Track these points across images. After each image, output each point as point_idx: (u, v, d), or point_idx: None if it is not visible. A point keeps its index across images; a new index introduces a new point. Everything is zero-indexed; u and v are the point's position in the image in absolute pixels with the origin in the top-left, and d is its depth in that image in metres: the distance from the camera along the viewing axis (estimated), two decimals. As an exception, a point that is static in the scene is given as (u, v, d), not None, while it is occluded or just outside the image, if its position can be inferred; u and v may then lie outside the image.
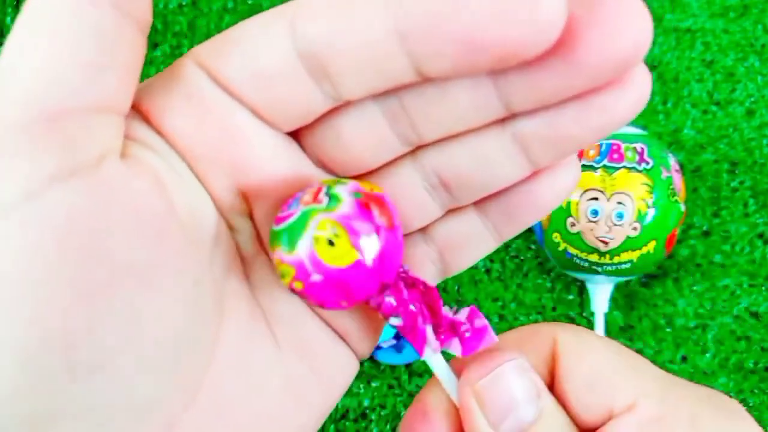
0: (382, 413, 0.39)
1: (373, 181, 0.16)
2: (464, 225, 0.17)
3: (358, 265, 0.14)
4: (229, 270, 0.15)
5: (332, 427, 0.39)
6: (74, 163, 0.12)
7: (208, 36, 0.45)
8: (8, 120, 0.12)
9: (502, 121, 0.14)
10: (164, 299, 0.13)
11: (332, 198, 0.14)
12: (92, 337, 0.12)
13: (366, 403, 0.39)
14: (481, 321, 0.15)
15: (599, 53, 0.12)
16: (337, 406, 0.39)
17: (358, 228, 0.14)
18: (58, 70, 0.12)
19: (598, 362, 0.15)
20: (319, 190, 0.14)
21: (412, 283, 0.15)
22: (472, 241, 0.17)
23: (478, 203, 0.16)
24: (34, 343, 0.11)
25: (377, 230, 0.14)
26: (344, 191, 0.14)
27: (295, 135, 0.15)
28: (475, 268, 0.41)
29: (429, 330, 0.15)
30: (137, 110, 0.14)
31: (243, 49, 0.14)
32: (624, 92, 0.13)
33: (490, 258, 0.41)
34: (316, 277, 0.14)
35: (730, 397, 0.16)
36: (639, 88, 0.13)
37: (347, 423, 0.39)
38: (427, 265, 0.17)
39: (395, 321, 0.15)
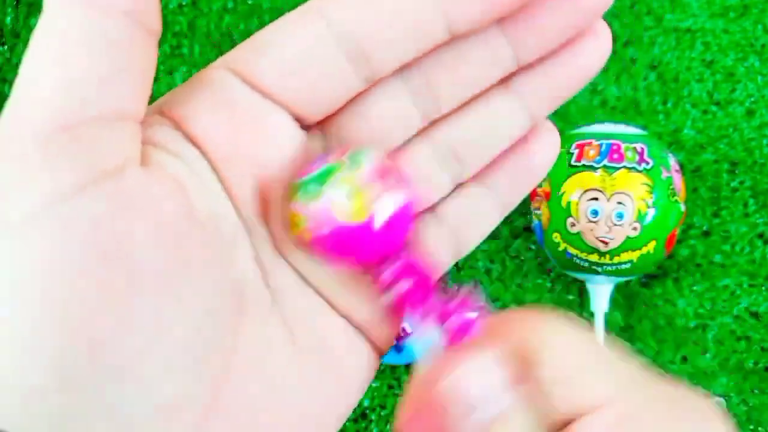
0: (382, 413, 0.39)
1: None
2: (470, 200, 0.18)
3: (367, 226, 0.14)
4: (248, 272, 0.15)
5: (332, 427, 0.39)
6: (95, 173, 0.12)
7: (208, 36, 0.45)
8: (29, 132, 0.12)
9: (505, 81, 0.17)
10: (185, 303, 0.13)
11: (355, 160, 0.15)
12: (117, 340, 0.12)
13: (366, 403, 0.39)
14: (471, 314, 0.15)
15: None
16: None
17: (374, 190, 0.14)
18: (74, 81, 0.12)
19: (570, 360, 0.15)
20: (344, 152, 0.15)
21: (413, 266, 0.16)
22: (479, 216, 0.18)
23: (481, 176, 0.18)
24: (63, 343, 0.12)
25: (391, 196, 0.15)
26: (367, 157, 0.15)
27: (322, 121, 0.16)
28: (475, 268, 0.41)
29: (417, 314, 0.15)
30: (168, 117, 0.15)
31: (278, 45, 0.15)
32: (595, 37, 0.17)
33: (490, 258, 0.41)
34: (325, 230, 0.14)
35: (728, 399, 0.16)
36: (604, 34, 0.17)
37: (347, 423, 0.39)
38: (441, 247, 0.18)
39: (386, 298, 0.16)
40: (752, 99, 0.43)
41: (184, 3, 0.45)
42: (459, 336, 0.15)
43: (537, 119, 0.17)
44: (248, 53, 0.15)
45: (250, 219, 0.15)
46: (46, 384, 0.12)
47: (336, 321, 0.16)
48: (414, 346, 0.16)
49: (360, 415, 0.39)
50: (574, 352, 0.15)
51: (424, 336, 0.15)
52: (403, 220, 0.15)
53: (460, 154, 0.17)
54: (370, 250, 0.15)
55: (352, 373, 0.16)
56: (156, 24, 0.13)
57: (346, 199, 0.14)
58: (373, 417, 0.39)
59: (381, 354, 0.17)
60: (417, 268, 0.16)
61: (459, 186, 0.18)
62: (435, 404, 0.15)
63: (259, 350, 0.15)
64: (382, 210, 0.15)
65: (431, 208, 0.18)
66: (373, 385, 0.39)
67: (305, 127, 0.16)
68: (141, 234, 0.13)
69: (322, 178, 0.15)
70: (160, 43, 0.48)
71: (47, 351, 0.12)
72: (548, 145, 0.18)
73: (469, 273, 0.41)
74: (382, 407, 0.39)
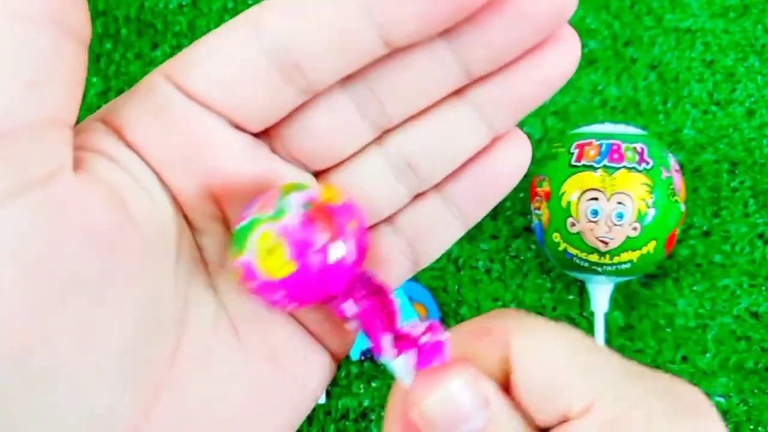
0: (382, 413, 0.39)
1: (342, 172, 0.16)
2: (430, 211, 0.17)
3: (295, 277, 0.14)
4: (193, 277, 0.15)
5: (332, 426, 0.39)
6: (23, 181, 0.12)
7: (208, 36, 0.45)
8: None
9: (460, 93, 0.16)
10: (117, 311, 0.13)
11: (280, 207, 0.14)
12: (44, 348, 0.12)
13: (366, 403, 0.39)
14: (439, 336, 0.15)
15: (537, 4, 0.14)
16: (337, 406, 0.39)
17: (296, 241, 0.14)
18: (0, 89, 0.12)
19: (551, 366, 0.15)
20: (272, 197, 0.15)
21: (375, 290, 0.15)
22: (439, 227, 0.17)
23: (442, 187, 0.17)
24: None
25: (317, 245, 0.14)
26: (295, 201, 0.14)
27: (266, 131, 0.16)
28: (475, 268, 0.41)
29: (385, 338, 0.15)
30: (109, 125, 0.15)
31: (209, 56, 0.14)
32: (561, 45, 0.15)
33: (490, 258, 0.41)
34: (254, 284, 0.14)
35: (728, 398, 0.16)
36: (571, 41, 0.15)
37: (347, 423, 0.39)
38: (397, 258, 0.17)
39: (351, 325, 0.15)
40: (752, 99, 0.43)
41: (184, 3, 0.45)
42: (429, 358, 0.15)
43: (498, 130, 0.16)
44: (183, 63, 0.15)
45: (198, 222, 0.15)
46: None
47: (289, 326, 0.16)
48: (390, 364, 0.15)
49: (360, 415, 0.39)
50: (555, 358, 0.15)
51: (395, 359, 0.15)
52: (338, 264, 0.14)
53: (415, 165, 0.16)
54: (310, 296, 0.14)
55: (307, 378, 0.16)
56: (85, 30, 0.13)
57: (267, 254, 0.14)
58: (373, 417, 0.39)
59: (338, 359, 0.17)
60: (375, 296, 0.15)
61: (418, 196, 0.17)
62: (422, 421, 0.15)
63: (203, 357, 0.15)
64: (310, 259, 0.14)
65: (389, 219, 0.17)
66: (373, 385, 0.39)
67: (251, 133, 0.16)
68: (70, 243, 0.12)
69: (245, 231, 0.14)
70: (160, 43, 0.49)
71: None
72: (514, 156, 0.17)
73: (469, 273, 0.41)
74: (382, 407, 0.39)
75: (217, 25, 0.45)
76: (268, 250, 0.14)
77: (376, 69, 0.15)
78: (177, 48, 0.45)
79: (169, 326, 0.14)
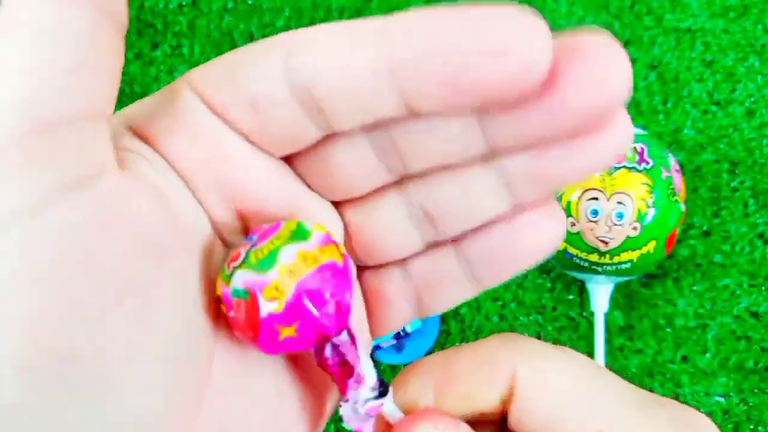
0: (382, 413, 0.39)
1: (359, 209, 0.16)
2: (443, 263, 0.16)
3: (265, 334, 0.14)
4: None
5: (332, 426, 0.39)
6: (72, 176, 0.11)
7: (208, 36, 0.45)
8: None
9: (488, 158, 0.15)
10: (165, 318, 0.13)
11: (269, 256, 0.14)
12: (94, 355, 0.12)
13: (366, 403, 0.39)
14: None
15: (580, 98, 0.13)
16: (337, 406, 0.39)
17: (270, 299, 0.13)
18: (43, 77, 0.11)
19: (558, 395, 0.15)
20: (270, 230, 0.14)
21: (340, 356, 0.15)
22: (449, 282, 0.17)
23: (459, 243, 0.16)
24: (34, 360, 0.11)
25: (292, 297, 0.14)
26: (284, 253, 0.14)
27: (287, 160, 0.16)
28: (475, 268, 0.41)
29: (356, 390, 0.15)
30: (135, 133, 0.14)
31: (237, 76, 0.14)
32: (606, 135, 0.14)
33: (490, 258, 0.41)
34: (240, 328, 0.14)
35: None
36: (621, 131, 0.14)
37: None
38: (401, 304, 0.17)
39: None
40: (752, 99, 0.43)
41: (184, 3, 0.45)
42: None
43: (523, 200, 0.15)
44: (209, 76, 0.14)
45: (229, 236, 0.15)
46: (13, 404, 0.11)
47: None
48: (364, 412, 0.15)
49: (360, 415, 0.39)
50: (562, 391, 0.15)
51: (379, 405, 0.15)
52: (308, 323, 0.14)
53: (432, 216, 0.16)
54: (273, 349, 0.14)
55: (327, 384, 0.16)
56: (123, 17, 0.12)
57: (243, 313, 0.14)
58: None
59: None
60: (344, 357, 0.15)
61: (433, 246, 0.16)
62: None
63: (235, 367, 0.15)
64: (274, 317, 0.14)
65: (401, 262, 0.17)
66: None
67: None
68: (120, 244, 0.12)
69: (227, 278, 0.14)
70: (160, 43, 0.49)
71: (12, 369, 0.11)
72: (542, 233, 0.16)
73: (469, 273, 0.41)
74: (382, 407, 0.39)
75: (217, 26, 0.46)
76: (242, 302, 0.14)
77: (397, 124, 0.15)
78: (177, 48, 0.45)
79: (208, 333, 0.14)
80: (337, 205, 0.16)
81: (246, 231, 0.15)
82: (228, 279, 0.14)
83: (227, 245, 0.15)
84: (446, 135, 0.14)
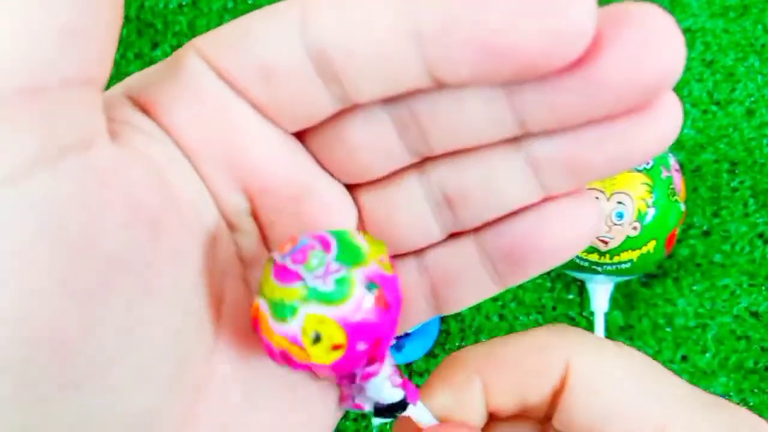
0: (382, 413, 0.39)
1: (376, 193, 0.15)
2: (462, 257, 0.15)
3: (337, 362, 0.13)
4: (228, 273, 0.14)
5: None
6: (60, 144, 0.10)
7: (208, 36, 0.45)
8: None
9: (516, 140, 0.13)
10: (163, 302, 0.12)
11: (338, 285, 0.12)
12: (87, 343, 0.11)
13: (366, 402, 0.39)
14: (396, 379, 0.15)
15: (623, 74, 0.11)
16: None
17: (354, 331, 0.12)
18: (33, 36, 0.10)
19: (618, 389, 0.14)
20: (326, 248, 0.13)
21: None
22: (468, 278, 0.15)
23: (480, 234, 0.15)
24: (22, 348, 0.10)
25: (373, 337, 0.13)
26: (359, 280, 0.12)
27: (299, 136, 0.14)
28: (475, 267, 0.41)
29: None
30: (136, 101, 0.13)
31: (250, 42, 0.13)
32: (651, 121, 0.12)
33: (490, 258, 0.41)
34: (290, 359, 0.13)
35: (728, 398, 0.16)
36: (669, 118, 0.12)
37: (347, 423, 0.39)
38: (417, 301, 0.16)
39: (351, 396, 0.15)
40: (752, 99, 0.43)
41: (184, 3, 0.45)
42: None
43: (552, 191, 0.14)
44: (218, 41, 0.13)
45: (228, 215, 0.14)
46: (4, 395, 0.10)
47: None
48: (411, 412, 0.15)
49: (360, 415, 0.39)
50: (622, 386, 0.14)
51: (415, 407, 0.15)
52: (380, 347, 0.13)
53: (453, 202, 0.14)
54: (330, 372, 0.13)
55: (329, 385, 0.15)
56: None
57: (316, 341, 0.12)
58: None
59: None
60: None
61: (453, 236, 0.15)
62: None
63: (238, 361, 0.14)
64: (359, 347, 0.13)
65: (417, 253, 0.15)
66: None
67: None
68: (113, 221, 0.11)
69: (290, 298, 0.12)
70: (160, 43, 0.48)
71: (4, 358, 0.10)
72: (573, 225, 0.14)
73: (469, 273, 0.41)
74: (382, 407, 0.39)
75: (217, 25, 0.45)
76: (318, 338, 0.12)
77: (420, 97, 0.13)
78: (177, 48, 0.45)
79: (207, 322, 0.13)
80: (350, 188, 0.15)
81: (254, 211, 0.14)
82: (286, 314, 0.12)
83: (231, 227, 0.14)
84: (473, 111, 0.13)
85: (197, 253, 0.13)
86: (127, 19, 0.45)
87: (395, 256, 0.16)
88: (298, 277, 0.12)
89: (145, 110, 0.13)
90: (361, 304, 0.12)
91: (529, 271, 0.15)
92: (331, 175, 0.15)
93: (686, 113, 0.43)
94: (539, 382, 0.15)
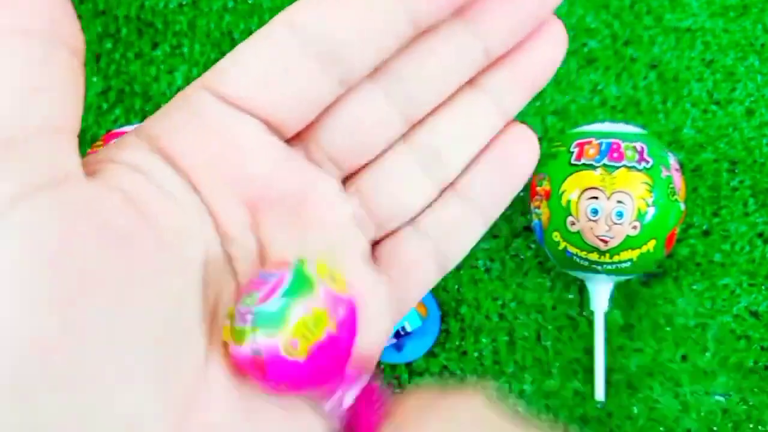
0: (382, 412, 0.39)
1: (372, 172, 0.17)
2: (451, 210, 0.18)
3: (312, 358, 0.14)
4: (223, 289, 0.15)
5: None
6: (35, 183, 0.12)
7: (208, 35, 0.45)
8: None
9: (472, 82, 0.17)
10: (141, 311, 0.13)
11: (280, 312, 0.14)
12: (67, 344, 0.12)
13: (366, 402, 0.39)
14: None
15: None
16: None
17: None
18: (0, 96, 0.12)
19: None
20: (276, 284, 0.14)
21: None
22: (461, 226, 0.18)
23: (457, 185, 0.18)
24: (6, 351, 0.11)
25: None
26: (297, 307, 0.14)
27: (300, 134, 0.16)
28: (475, 267, 0.41)
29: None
30: (144, 137, 0.15)
31: (245, 57, 0.15)
32: (552, 29, 0.17)
33: (490, 257, 0.41)
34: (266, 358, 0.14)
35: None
36: (558, 27, 0.17)
37: (347, 422, 0.39)
38: (425, 261, 0.18)
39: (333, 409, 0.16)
40: (752, 98, 0.43)
41: (184, 2, 0.45)
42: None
43: (509, 113, 0.18)
44: (218, 71, 0.15)
45: (231, 232, 0.15)
46: None
47: None
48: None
49: (360, 414, 0.39)
50: None
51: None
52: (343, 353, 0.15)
53: (439, 154, 0.17)
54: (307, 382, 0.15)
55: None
56: (77, 41, 0.13)
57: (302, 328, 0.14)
58: (373, 416, 0.39)
59: None
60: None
61: (440, 196, 0.18)
62: None
63: (231, 374, 0.14)
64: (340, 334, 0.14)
65: (412, 222, 0.18)
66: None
67: (286, 140, 0.16)
68: (84, 241, 0.12)
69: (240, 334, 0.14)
70: (160, 43, 0.48)
71: None
72: (526, 147, 0.18)
73: (469, 272, 0.41)
74: (382, 406, 0.39)
75: (217, 25, 0.46)
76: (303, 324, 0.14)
77: (402, 56, 0.16)
78: (177, 47, 0.45)
79: (198, 334, 0.14)
80: (351, 178, 0.17)
81: (256, 226, 0.15)
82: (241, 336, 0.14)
83: (231, 241, 0.15)
84: (444, 53, 0.16)
85: (177, 270, 0.14)
86: (127, 18, 0.45)
87: (395, 232, 0.18)
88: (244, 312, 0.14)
89: (151, 141, 0.15)
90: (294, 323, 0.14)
91: (507, 195, 0.18)
92: (339, 165, 0.17)
93: (686, 112, 0.43)
94: None
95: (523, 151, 0.18)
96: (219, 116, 0.15)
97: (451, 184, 0.18)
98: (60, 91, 0.13)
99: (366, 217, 0.17)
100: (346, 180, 0.17)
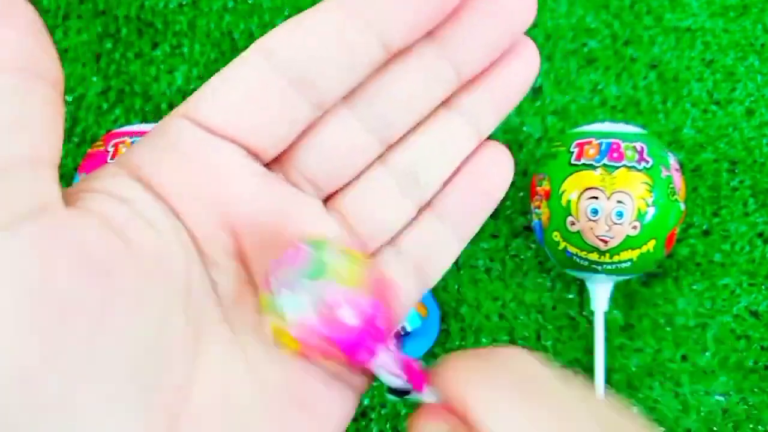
0: (382, 412, 0.39)
1: (351, 193, 0.17)
2: (428, 229, 0.18)
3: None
4: (206, 311, 0.15)
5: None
6: (15, 213, 0.12)
7: (208, 35, 0.45)
8: None
9: (447, 103, 0.17)
10: (120, 337, 0.13)
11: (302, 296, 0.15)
12: (48, 371, 0.12)
13: (366, 402, 0.39)
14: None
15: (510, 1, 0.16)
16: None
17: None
18: None
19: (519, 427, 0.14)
20: (304, 256, 0.15)
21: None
22: (439, 245, 0.18)
23: (434, 205, 0.18)
24: None
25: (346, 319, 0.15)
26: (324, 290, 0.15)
27: (279, 158, 0.16)
28: (475, 267, 0.41)
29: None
30: (124, 165, 0.15)
31: (222, 85, 0.15)
32: (525, 49, 0.17)
33: (490, 257, 0.41)
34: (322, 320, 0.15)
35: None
36: (531, 47, 0.18)
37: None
38: (406, 281, 0.18)
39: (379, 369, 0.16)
40: (752, 98, 0.43)
41: (184, 2, 0.45)
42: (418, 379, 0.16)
43: (483, 133, 0.18)
44: (196, 99, 0.15)
45: (213, 256, 0.15)
46: None
47: (305, 364, 0.16)
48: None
49: (360, 414, 0.39)
50: (523, 418, 0.14)
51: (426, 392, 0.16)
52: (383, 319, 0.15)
53: (416, 174, 0.18)
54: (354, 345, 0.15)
55: (327, 417, 0.16)
56: (55, 74, 0.14)
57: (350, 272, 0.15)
58: (373, 416, 0.39)
59: (359, 393, 0.17)
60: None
61: (417, 216, 0.18)
62: None
63: (219, 393, 0.15)
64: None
65: (392, 242, 0.18)
66: (374, 384, 0.39)
67: (265, 164, 0.16)
68: (64, 269, 0.12)
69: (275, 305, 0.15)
70: (160, 43, 0.48)
71: None
72: (501, 166, 0.18)
73: (469, 272, 0.41)
74: (383, 406, 0.39)
75: (217, 25, 0.46)
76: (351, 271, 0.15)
77: (373, 82, 0.16)
78: (177, 47, 0.45)
79: (180, 357, 0.14)
80: (330, 199, 0.17)
81: (239, 250, 0.16)
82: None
83: (214, 266, 0.15)
84: (418, 74, 0.17)
85: (158, 297, 0.14)
86: (127, 18, 0.45)
87: (376, 253, 0.18)
88: (283, 280, 0.15)
89: (131, 170, 0.15)
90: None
91: (482, 214, 0.18)
92: (319, 188, 0.17)
93: (686, 112, 0.43)
94: None
95: (497, 170, 0.18)
96: (198, 143, 0.15)
97: (428, 203, 0.18)
98: (39, 124, 0.13)
99: (347, 237, 0.17)
100: (326, 201, 0.18)
